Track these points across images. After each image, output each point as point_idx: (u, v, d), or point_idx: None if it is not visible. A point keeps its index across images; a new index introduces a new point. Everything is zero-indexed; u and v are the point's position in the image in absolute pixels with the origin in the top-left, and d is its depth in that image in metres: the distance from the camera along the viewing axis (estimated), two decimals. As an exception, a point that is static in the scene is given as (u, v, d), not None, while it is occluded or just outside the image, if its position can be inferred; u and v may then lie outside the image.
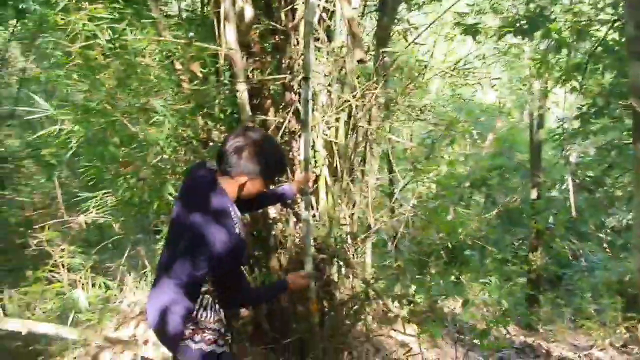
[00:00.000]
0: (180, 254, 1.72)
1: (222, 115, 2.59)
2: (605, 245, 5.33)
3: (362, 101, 3.16)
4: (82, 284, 3.48)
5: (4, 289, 3.69)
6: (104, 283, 3.43)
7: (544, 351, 3.96)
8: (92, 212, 2.74)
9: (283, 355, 2.77)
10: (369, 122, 3.34)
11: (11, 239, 4.46)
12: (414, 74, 3.50)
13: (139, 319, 3.49)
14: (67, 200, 3.98)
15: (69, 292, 3.31)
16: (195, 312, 1.74)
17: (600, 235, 5.95)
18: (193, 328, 1.74)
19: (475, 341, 4.23)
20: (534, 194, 6.09)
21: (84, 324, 3.37)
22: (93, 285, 3.69)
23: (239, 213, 1.81)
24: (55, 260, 3.62)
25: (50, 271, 3.69)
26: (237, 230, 1.69)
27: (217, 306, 1.82)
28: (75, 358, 3.25)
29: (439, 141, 4.45)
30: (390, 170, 4.05)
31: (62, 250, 3.64)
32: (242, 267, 1.85)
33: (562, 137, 5.26)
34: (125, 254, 3.79)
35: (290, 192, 2.27)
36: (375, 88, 3.20)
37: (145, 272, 3.97)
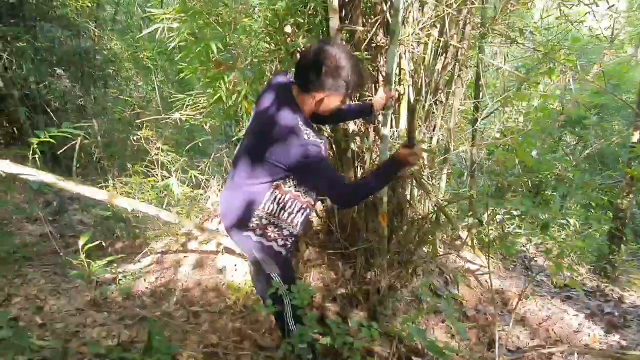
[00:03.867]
0: (254, 156, 1.79)
1: (310, 24, 2.57)
2: None
3: (457, 17, 2.96)
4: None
5: (109, 178, 4.18)
6: (195, 176, 3.72)
7: (616, 297, 3.82)
8: (186, 111, 2.92)
9: (350, 262, 2.93)
10: (461, 42, 3.15)
11: (115, 135, 4.95)
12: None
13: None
14: (162, 104, 4.28)
15: (164, 182, 3.66)
16: (262, 208, 1.83)
17: None
18: (258, 223, 1.85)
19: (544, 279, 4.17)
20: (635, 138, 5.51)
21: (175, 217, 3.76)
22: (182, 184, 4.06)
23: (313, 126, 1.84)
24: (152, 157, 4.01)
25: (147, 167, 4.09)
26: (311, 139, 1.70)
27: (294, 209, 1.89)
28: (166, 245, 3.68)
29: (536, 70, 4.10)
30: (477, 96, 3.85)
31: (158, 148, 4.00)
32: (330, 171, 1.81)
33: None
34: (212, 156, 4.06)
35: (369, 108, 2.26)
36: (473, 3, 2.97)
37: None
